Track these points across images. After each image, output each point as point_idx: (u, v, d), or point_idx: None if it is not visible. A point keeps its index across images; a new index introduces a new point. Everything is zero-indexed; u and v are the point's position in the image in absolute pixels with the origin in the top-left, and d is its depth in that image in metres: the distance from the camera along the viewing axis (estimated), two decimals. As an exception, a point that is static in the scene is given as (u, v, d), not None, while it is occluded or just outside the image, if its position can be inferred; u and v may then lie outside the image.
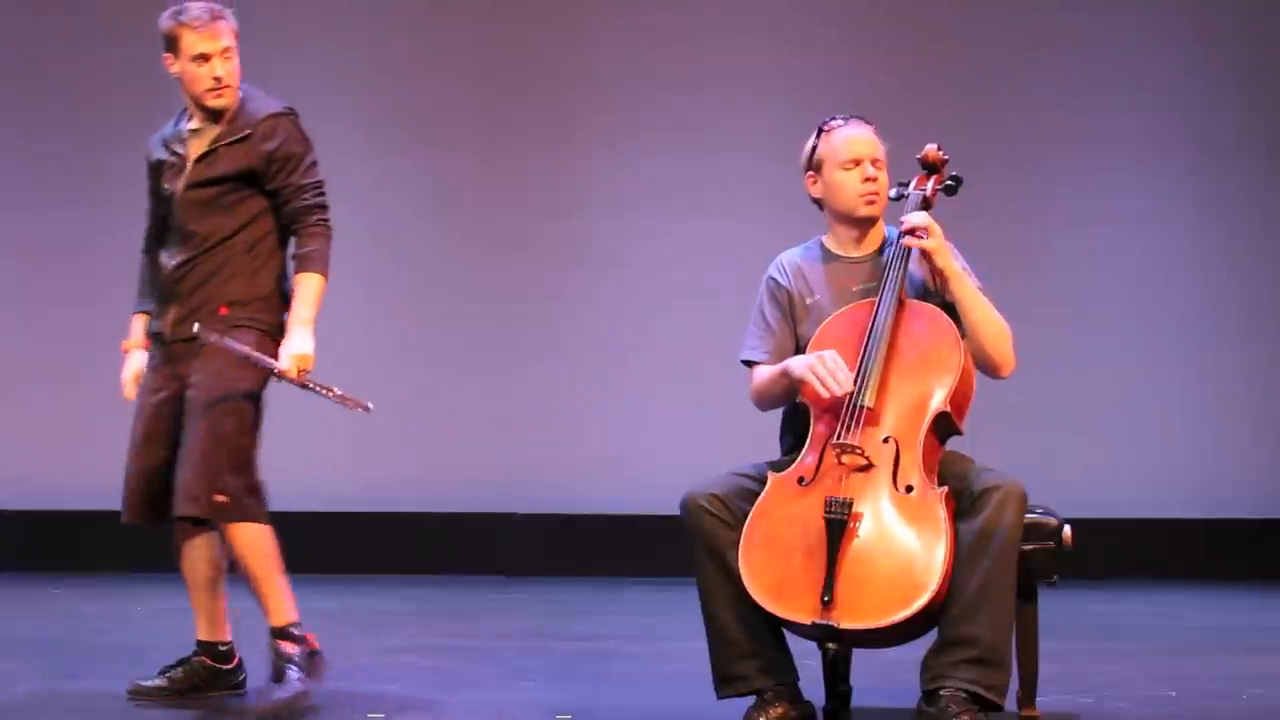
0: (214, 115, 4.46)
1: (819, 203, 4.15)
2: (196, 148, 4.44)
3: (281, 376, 4.34)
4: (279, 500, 8.48)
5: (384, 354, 8.05)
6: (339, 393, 4.36)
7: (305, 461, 7.91)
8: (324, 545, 7.87)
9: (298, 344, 4.33)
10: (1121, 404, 8.00)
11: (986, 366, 3.98)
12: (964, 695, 3.71)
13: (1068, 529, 3.97)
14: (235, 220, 4.40)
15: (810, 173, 4.13)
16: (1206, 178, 8.13)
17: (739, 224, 7.69)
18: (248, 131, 4.41)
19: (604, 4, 8.18)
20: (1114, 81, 8.10)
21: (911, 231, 3.96)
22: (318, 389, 4.36)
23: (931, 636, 3.79)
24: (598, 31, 8.13)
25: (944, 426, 3.87)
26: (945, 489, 3.77)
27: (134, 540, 7.89)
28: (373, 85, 8.11)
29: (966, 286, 3.96)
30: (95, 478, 7.97)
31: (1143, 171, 8.15)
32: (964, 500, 3.78)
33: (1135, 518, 7.82)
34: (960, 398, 3.89)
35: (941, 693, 3.72)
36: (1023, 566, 3.82)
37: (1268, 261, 8.10)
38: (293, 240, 4.48)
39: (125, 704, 4.45)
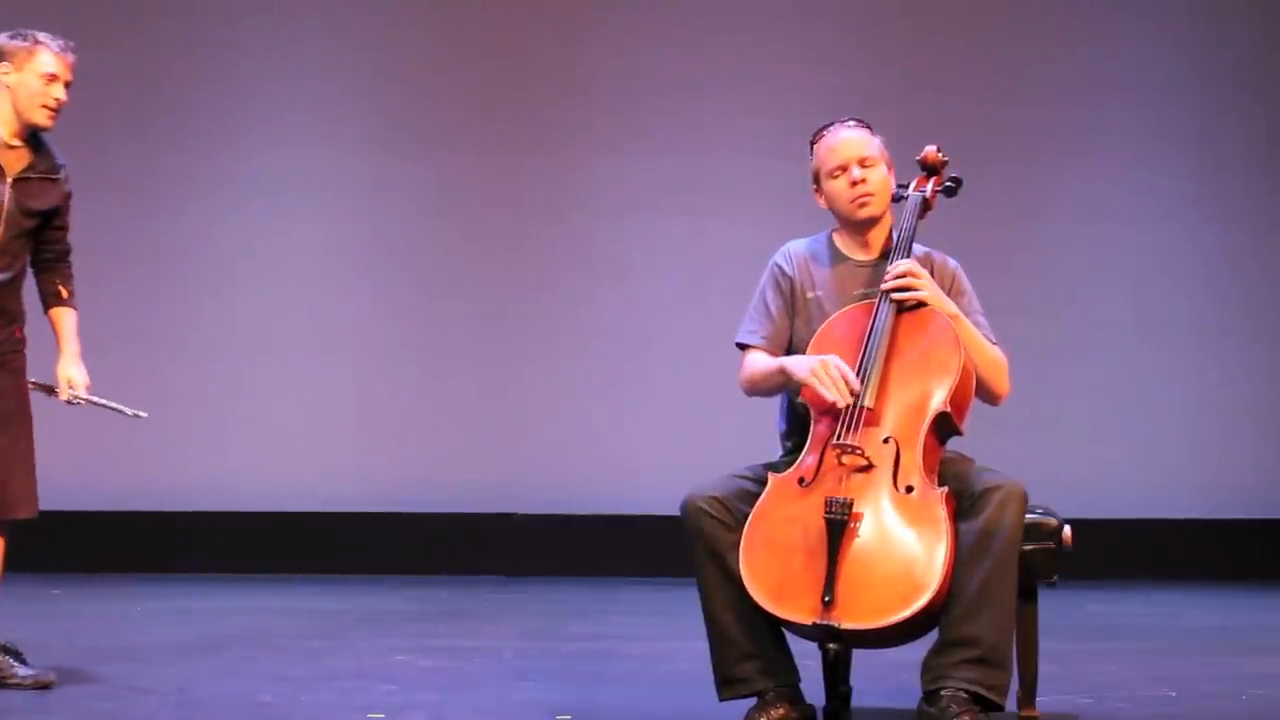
0: (31, 138, 4.68)
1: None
2: (11, 162, 4.64)
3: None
4: (281, 501, 8.54)
5: (384, 354, 8.06)
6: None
7: (306, 462, 7.94)
8: (324, 545, 7.89)
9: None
10: (1122, 403, 8.01)
11: (983, 396, 4.01)
12: (965, 695, 3.71)
13: (1068, 529, 3.97)
14: (29, 252, 4.82)
15: (814, 187, 4.14)
16: (1208, 177, 8.14)
17: (738, 226, 7.69)
18: (60, 174, 4.73)
19: (604, 6, 8.18)
20: (1117, 80, 8.11)
21: (900, 278, 3.96)
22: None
23: (932, 637, 3.79)
24: (598, 33, 8.14)
25: (944, 427, 3.87)
26: (945, 489, 3.77)
27: (134, 540, 7.97)
28: (373, 86, 8.12)
29: (962, 327, 3.97)
30: (95, 477, 8.02)
31: (1144, 170, 8.16)
32: (964, 500, 3.78)
33: (1135, 518, 7.83)
34: (960, 398, 3.90)
35: (942, 693, 3.72)
36: (1023, 566, 3.82)
37: (1269, 261, 8.11)
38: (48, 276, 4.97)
39: (123, 705, 4.45)
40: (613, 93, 8.10)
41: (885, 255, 4.09)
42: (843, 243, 4.16)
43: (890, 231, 4.14)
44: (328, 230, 8.07)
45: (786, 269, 4.14)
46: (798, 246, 4.19)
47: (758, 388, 4.08)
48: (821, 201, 4.15)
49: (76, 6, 8.13)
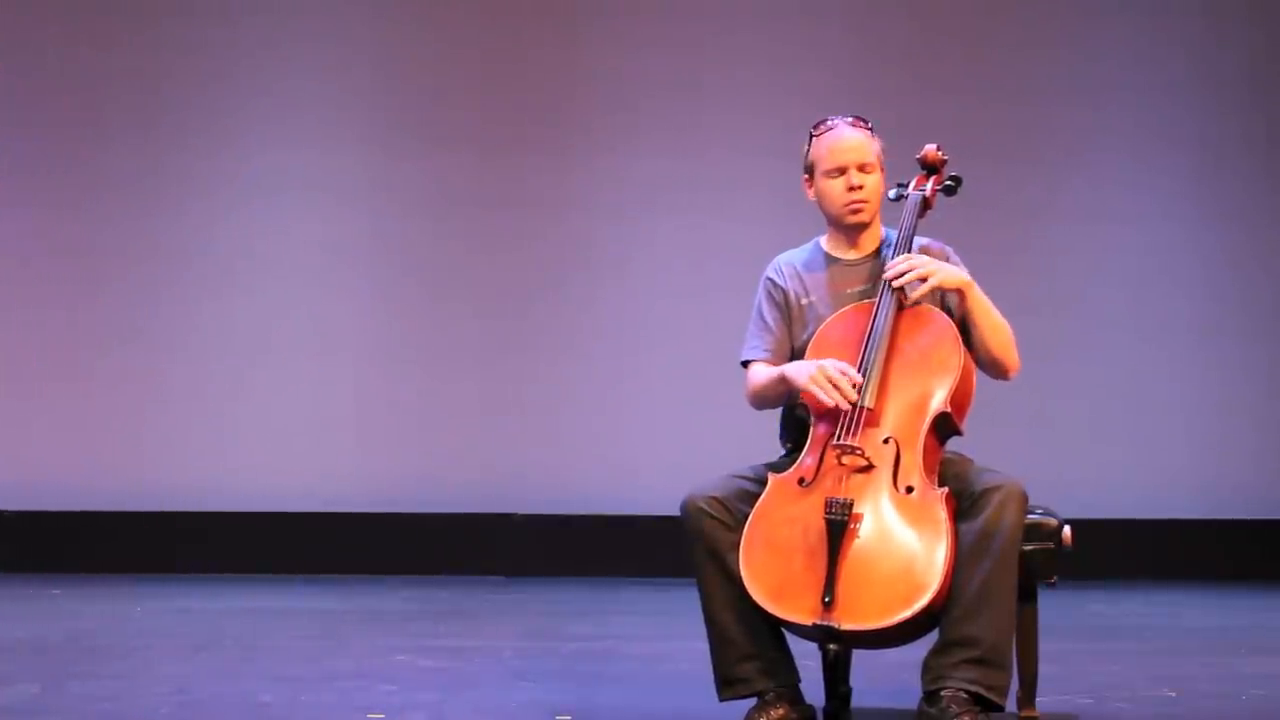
0: None
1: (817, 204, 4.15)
2: None
3: None
4: (281, 501, 8.55)
5: (384, 355, 8.05)
6: None
7: (306, 462, 7.94)
8: (324, 545, 7.89)
9: None
10: (1123, 404, 8.00)
11: (994, 370, 4.00)
12: (965, 696, 3.70)
13: (1068, 529, 3.96)
14: None
15: (805, 176, 4.13)
16: (1209, 177, 8.13)
17: (739, 225, 7.69)
18: None
19: (604, 6, 8.18)
20: (1117, 81, 8.10)
21: (901, 275, 3.95)
22: None
23: (932, 637, 3.79)
24: (598, 33, 8.13)
25: (944, 427, 3.87)
26: (945, 490, 3.76)
27: (134, 540, 7.97)
28: (373, 86, 8.11)
29: (977, 297, 3.96)
30: (95, 477, 8.03)
31: (1145, 171, 8.15)
32: (964, 501, 3.78)
33: (1135, 518, 7.82)
34: (960, 398, 3.89)
35: (943, 693, 3.72)
36: (1023, 566, 3.82)
37: (1269, 261, 8.10)
38: None
39: (124, 704, 4.45)
40: (613, 93, 8.10)
41: (876, 252, 4.09)
42: (831, 245, 4.15)
43: (880, 230, 4.13)
44: (328, 230, 8.07)
45: (778, 280, 4.13)
46: (786, 257, 4.18)
47: (764, 399, 4.08)
48: (811, 193, 4.12)
49: (77, 6, 8.13)
